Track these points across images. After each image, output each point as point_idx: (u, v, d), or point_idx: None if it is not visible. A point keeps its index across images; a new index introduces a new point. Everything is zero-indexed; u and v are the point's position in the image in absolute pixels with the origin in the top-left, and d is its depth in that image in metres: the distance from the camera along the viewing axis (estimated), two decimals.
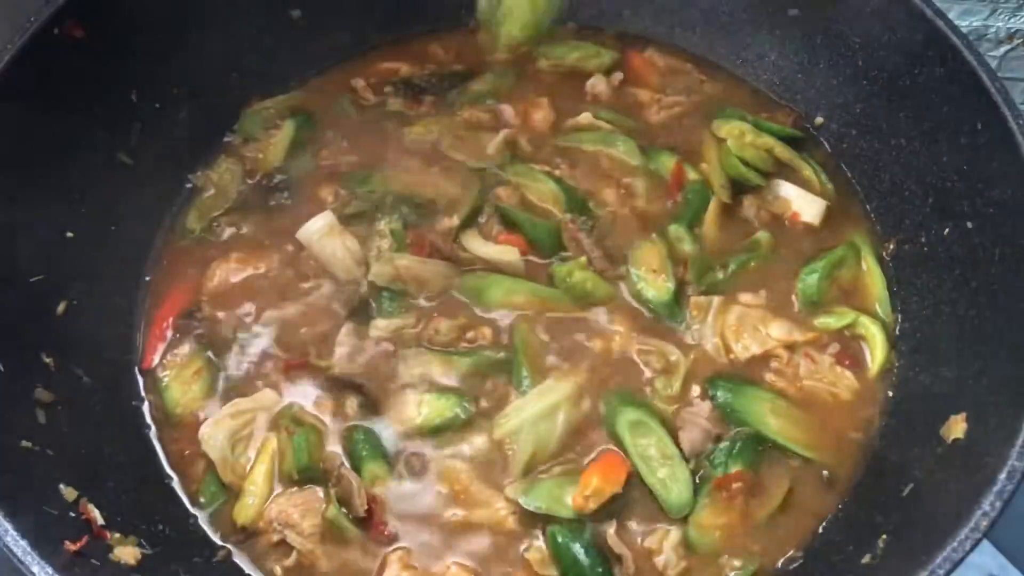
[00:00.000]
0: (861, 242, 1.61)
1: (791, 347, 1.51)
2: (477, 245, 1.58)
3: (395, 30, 1.84)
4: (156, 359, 1.55)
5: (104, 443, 1.43)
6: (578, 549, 1.33)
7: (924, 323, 1.51)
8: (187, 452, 1.47)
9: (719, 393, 1.46)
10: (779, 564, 1.38)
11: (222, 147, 1.74)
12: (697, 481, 1.39)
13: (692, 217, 1.61)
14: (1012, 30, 1.93)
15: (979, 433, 1.27)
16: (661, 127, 1.74)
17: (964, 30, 1.48)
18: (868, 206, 1.66)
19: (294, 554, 1.37)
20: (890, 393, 1.50)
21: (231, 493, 1.43)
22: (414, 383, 1.48)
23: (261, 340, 1.55)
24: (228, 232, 1.66)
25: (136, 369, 1.56)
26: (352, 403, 1.47)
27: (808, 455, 1.43)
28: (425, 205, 1.63)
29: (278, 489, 1.42)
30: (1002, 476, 1.14)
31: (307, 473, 1.41)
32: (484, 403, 1.46)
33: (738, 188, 1.65)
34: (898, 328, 1.55)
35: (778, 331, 1.52)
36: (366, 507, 1.36)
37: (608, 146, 1.69)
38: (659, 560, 1.35)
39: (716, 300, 1.53)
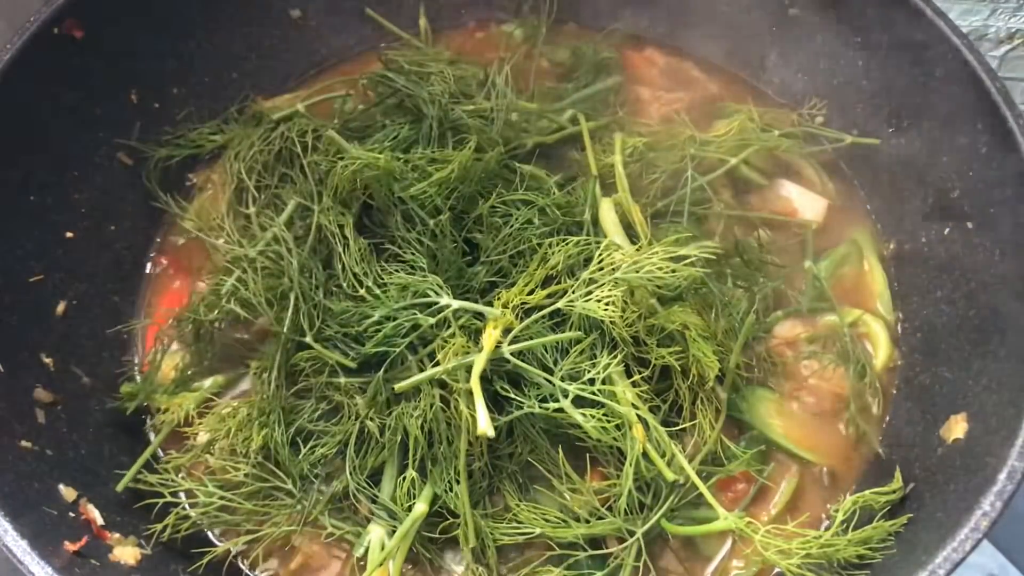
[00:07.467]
0: (863, 241, 1.61)
1: (795, 346, 1.51)
2: None
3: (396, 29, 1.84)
4: (153, 359, 1.54)
5: (104, 443, 1.43)
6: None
7: (924, 323, 1.51)
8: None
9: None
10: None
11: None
12: None
13: None
14: (1012, 30, 1.93)
15: (979, 433, 1.27)
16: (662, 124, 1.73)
17: (964, 30, 1.48)
18: (869, 206, 1.66)
19: (299, 555, 1.37)
20: (892, 392, 1.50)
21: None
22: None
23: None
24: None
25: (136, 369, 1.56)
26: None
27: (811, 458, 1.43)
28: None
29: None
30: (1002, 476, 1.14)
31: None
32: None
33: (740, 187, 1.64)
34: (899, 327, 1.55)
35: (782, 329, 1.52)
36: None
37: None
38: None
39: None
